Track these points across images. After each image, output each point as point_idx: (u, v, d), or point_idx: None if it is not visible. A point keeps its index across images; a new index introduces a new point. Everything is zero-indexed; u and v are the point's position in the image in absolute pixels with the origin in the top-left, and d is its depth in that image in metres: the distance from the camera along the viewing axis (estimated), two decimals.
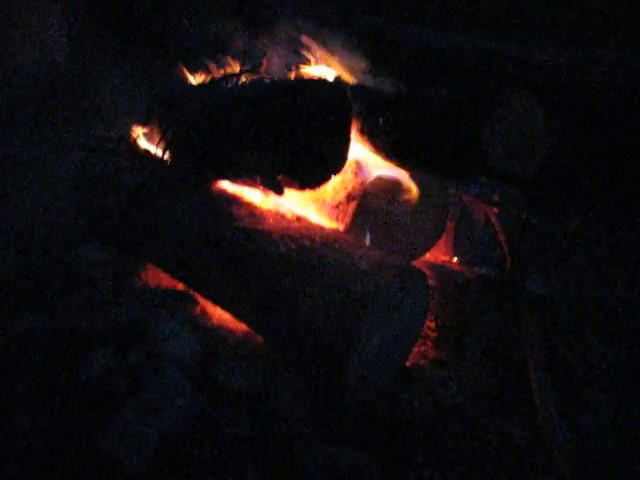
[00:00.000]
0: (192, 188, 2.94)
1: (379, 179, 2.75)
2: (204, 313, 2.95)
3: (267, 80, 2.72)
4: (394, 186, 2.79)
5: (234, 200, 2.82)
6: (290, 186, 2.61)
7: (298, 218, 2.71)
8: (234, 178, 2.76)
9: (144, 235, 3.03)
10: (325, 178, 2.58)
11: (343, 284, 2.33)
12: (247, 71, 2.88)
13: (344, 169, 2.70)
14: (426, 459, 2.35)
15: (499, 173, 2.20)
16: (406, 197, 2.76)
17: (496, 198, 2.86)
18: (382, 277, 2.33)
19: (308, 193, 2.81)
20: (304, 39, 3.12)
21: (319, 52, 3.11)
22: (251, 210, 2.75)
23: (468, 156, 2.24)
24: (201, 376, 2.46)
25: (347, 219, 2.72)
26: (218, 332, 2.81)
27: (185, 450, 2.24)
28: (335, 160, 2.58)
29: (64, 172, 3.40)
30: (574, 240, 3.27)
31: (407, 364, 2.72)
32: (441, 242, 3.10)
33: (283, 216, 2.72)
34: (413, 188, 2.75)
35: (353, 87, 2.73)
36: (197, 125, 2.85)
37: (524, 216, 2.83)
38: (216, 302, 2.80)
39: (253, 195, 2.88)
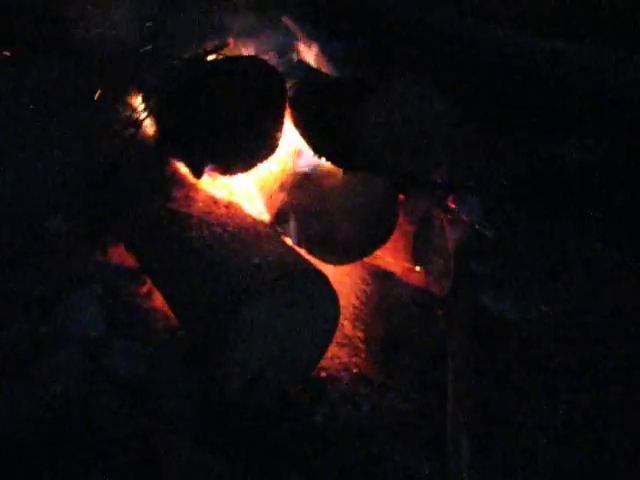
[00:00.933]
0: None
1: (316, 171, 2.53)
2: (149, 294, 2.88)
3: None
4: (333, 180, 2.55)
5: (179, 181, 2.72)
6: (214, 171, 2.47)
7: (228, 205, 2.56)
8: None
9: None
10: (249, 165, 2.42)
11: (228, 278, 2.17)
12: (213, 51, 2.75)
13: (287, 157, 2.52)
14: None
15: (383, 168, 1.93)
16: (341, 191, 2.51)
17: (450, 204, 2.53)
18: (272, 274, 2.13)
19: (258, 180, 2.67)
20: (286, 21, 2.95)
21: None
22: (189, 193, 2.64)
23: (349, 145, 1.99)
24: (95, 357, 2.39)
25: (273, 210, 2.53)
26: (149, 315, 2.73)
27: (49, 433, 2.18)
28: (262, 147, 2.41)
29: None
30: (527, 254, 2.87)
31: (323, 374, 2.49)
32: (402, 248, 2.81)
33: (216, 201, 2.58)
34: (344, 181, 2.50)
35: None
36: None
37: (477, 226, 2.49)
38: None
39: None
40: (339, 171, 2.46)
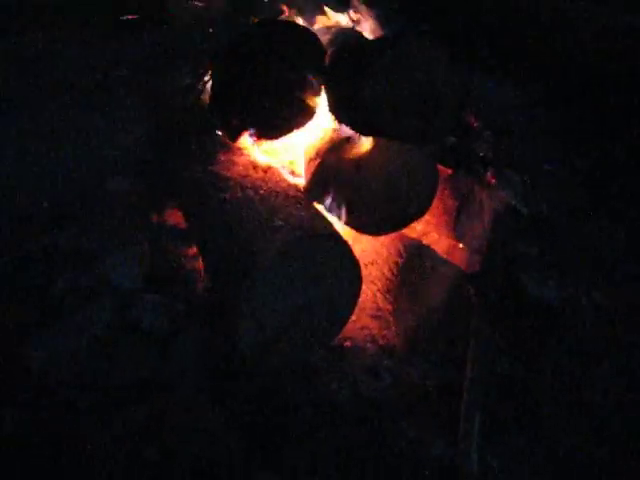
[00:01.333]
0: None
1: (355, 138, 2.49)
2: (195, 256, 2.95)
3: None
4: (371, 148, 2.50)
5: (225, 145, 2.76)
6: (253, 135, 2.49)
7: (267, 169, 2.57)
8: None
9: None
10: (286, 130, 2.42)
11: (246, 238, 2.19)
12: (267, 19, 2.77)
13: (327, 123, 2.51)
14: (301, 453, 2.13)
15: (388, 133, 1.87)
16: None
17: (490, 180, 2.41)
18: (290, 236, 2.13)
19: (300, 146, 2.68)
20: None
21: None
22: (232, 157, 2.68)
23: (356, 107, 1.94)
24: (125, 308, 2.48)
25: (307, 177, 2.51)
26: (190, 275, 2.80)
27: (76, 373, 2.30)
28: (301, 112, 2.40)
29: None
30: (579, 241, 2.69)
31: (348, 344, 2.47)
32: (446, 224, 2.72)
33: (255, 166, 2.60)
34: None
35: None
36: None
37: (514, 202, 2.36)
38: None
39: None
40: (377, 140, 2.41)
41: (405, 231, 2.67)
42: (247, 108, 2.38)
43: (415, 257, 2.53)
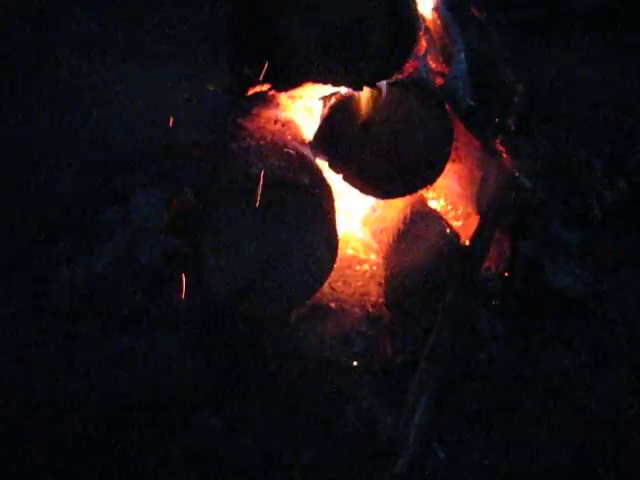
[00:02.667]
0: None
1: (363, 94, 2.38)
2: None
3: None
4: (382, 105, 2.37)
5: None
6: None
7: (285, 123, 2.57)
8: None
9: None
10: (295, 83, 2.40)
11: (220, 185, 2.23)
12: None
13: None
14: None
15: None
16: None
17: (498, 146, 2.18)
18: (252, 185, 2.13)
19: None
20: None
21: None
22: (261, 111, 2.70)
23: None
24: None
25: (316, 127, 2.46)
26: None
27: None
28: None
29: None
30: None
31: (333, 305, 2.43)
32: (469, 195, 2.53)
33: (276, 120, 2.61)
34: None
35: None
36: None
37: (517, 174, 2.11)
38: None
39: None
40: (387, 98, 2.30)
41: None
42: (259, 55, 2.33)
43: (418, 223, 2.38)
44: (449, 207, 2.77)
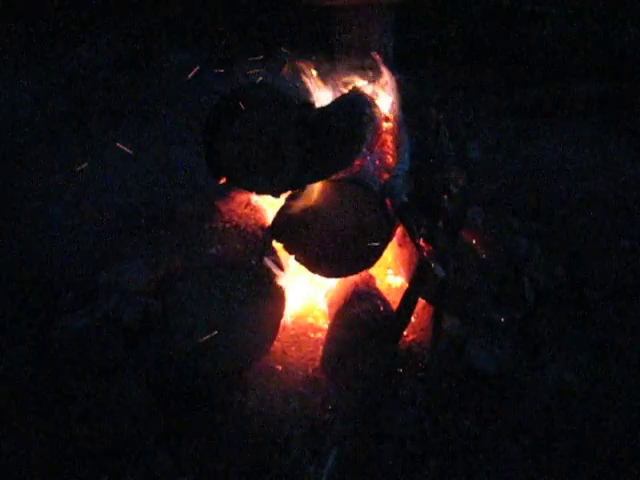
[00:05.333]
0: None
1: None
2: None
3: None
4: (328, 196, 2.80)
5: None
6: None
7: (253, 207, 3.02)
8: None
9: None
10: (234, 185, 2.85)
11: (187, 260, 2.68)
12: None
13: None
14: None
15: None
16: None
17: (422, 240, 2.56)
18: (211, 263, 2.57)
19: None
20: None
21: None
22: (236, 195, 3.16)
23: None
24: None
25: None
26: None
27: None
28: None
29: None
30: None
31: (279, 367, 2.81)
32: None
33: (247, 203, 3.06)
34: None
35: None
36: None
37: (432, 264, 2.47)
38: None
39: None
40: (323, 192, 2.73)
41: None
42: (230, 160, 2.76)
43: (355, 300, 2.78)
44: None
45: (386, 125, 3.22)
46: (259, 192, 2.69)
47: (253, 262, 2.64)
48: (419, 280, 2.59)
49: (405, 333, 2.86)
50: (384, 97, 3.54)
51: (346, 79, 3.31)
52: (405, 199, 2.70)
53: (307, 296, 3.23)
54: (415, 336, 2.91)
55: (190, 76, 3.86)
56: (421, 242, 2.56)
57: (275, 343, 2.90)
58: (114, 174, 4.22)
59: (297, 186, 2.63)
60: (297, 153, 2.55)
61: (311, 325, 3.11)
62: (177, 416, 2.61)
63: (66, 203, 3.85)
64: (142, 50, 5.88)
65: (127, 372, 2.79)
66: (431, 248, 2.55)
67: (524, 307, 3.05)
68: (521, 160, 4.77)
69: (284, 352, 2.92)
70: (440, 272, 2.49)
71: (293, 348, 2.97)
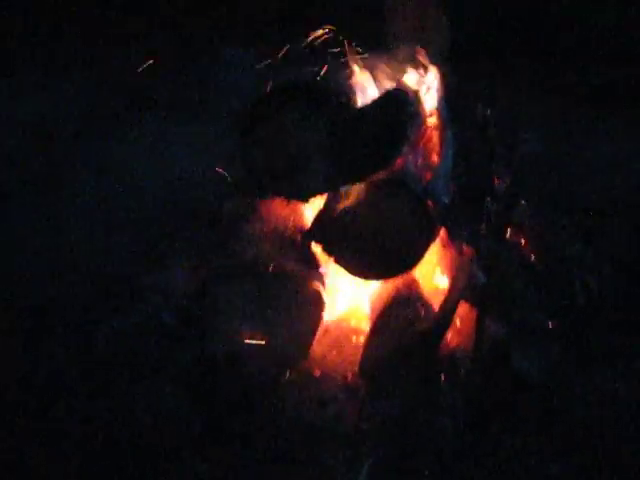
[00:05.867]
0: None
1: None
2: None
3: None
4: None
5: None
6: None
7: (293, 207, 2.97)
8: None
9: None
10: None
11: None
12: None
13: None
14: None
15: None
16: None
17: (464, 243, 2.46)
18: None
19: None
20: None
21: None
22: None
23: None
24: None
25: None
26: None
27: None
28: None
29: None
30: None
31: (317, 372, 2.77)
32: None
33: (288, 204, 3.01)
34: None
35: None
36: None
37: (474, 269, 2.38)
38: None
39: None
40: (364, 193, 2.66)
41: None
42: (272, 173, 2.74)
43: (396, 304, 2.71)
44: None
45: (431, 122, 3.10)
46: (287, 197, 2.63)
47: (291, 265, 2.59)
48: (459, 285, 2.49)
49: (448, 338, 2.76)
50: (432, 92, 3.42)
51: (396, 73, 3.19)
52: (446, 201, 2.61)
53: (351, 299, 3.16)
54: (459, 341, 2.80)
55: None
56: (463, 246, 2.46)
57: (315, 347, 2.85)
58: (165, 171, 4.22)
59: (329, 189, 2.57)
60: (329, 155, 2.47)
61: (354, 329, 3.04)
62: (213, 420, 2.59)
63: (111, 201, 3.87)
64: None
65: (166, 374, 2.80)
66: (473, 252, 2.45)
67: (574, 311, 2.91)
68: (590, 154, 4.49)
69: (324, 356, 2.87)
70: (481, 278, 2.38)
71: (334, 352, 2.91)
